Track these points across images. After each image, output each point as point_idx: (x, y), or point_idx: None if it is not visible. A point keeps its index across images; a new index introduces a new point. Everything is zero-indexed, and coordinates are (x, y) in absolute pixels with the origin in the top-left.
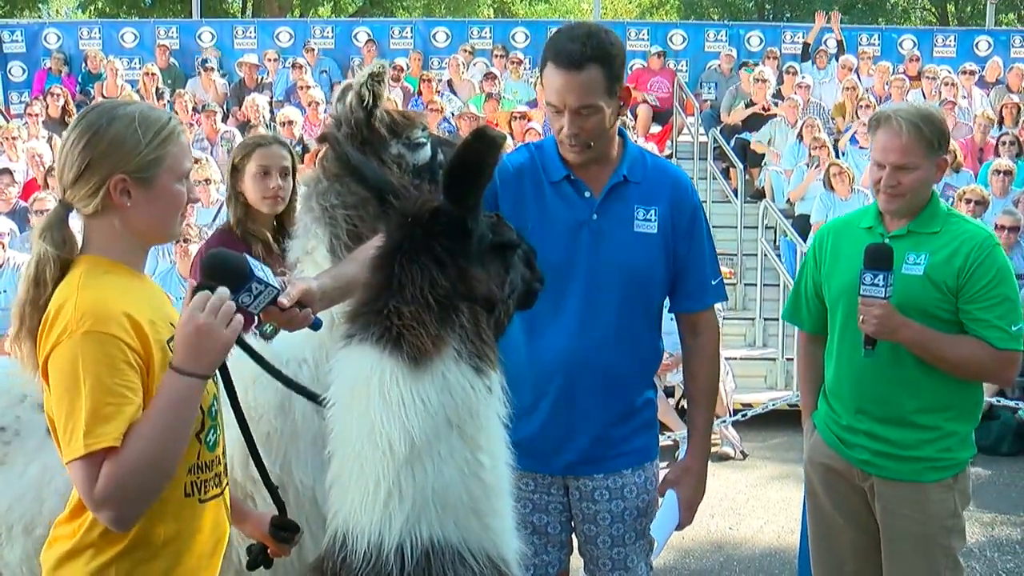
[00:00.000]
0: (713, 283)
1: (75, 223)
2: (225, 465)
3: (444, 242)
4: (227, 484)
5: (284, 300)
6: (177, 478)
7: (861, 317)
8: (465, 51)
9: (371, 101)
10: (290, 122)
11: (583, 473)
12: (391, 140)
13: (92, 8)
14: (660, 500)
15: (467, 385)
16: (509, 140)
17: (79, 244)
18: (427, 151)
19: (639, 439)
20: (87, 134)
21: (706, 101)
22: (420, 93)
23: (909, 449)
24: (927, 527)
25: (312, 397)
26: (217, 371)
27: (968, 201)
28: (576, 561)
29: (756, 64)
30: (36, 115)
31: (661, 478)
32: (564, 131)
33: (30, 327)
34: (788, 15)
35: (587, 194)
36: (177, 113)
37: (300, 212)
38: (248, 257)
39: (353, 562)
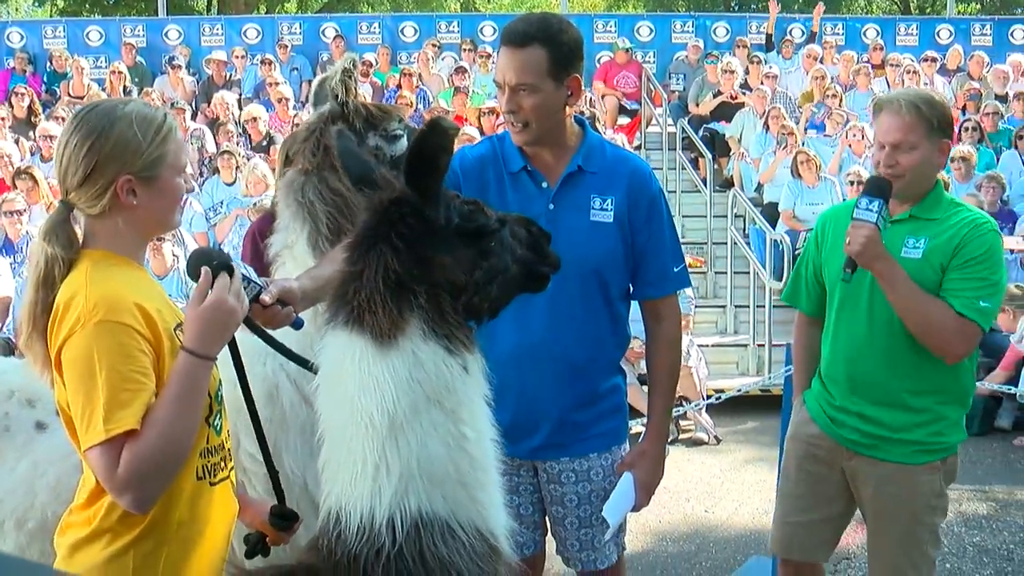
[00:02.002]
0: (675, 270)
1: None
2: (229, 449)
3: (402, 229)
4: (232, 467)
5: (266, 297)
6: (189, 462)
7: (848, 239)
8: (432, 45)
9: (343, 95)
10: (255, 119)
11: (549, 457)
12: (368, 133)
13: (52, 6)
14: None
15: (439, 362)
16: (476, 133)
17: (80, 241)
18: (404, 142)
19: (605, 424)
20: (91, 137)
21: (674, 92)
22: (400, 86)
23: (901, 432)
24: (912, 506)
25: (307, 365)
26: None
27: None
28: (551, 546)
29: (721, 55)
30: (2, 118)
31: None
32: (503, 107)
33: (40, 328)
34: (754, 5)
35: (544, 184)
36: None
37: (280, 207)
38: (231, 256)
39: (347, 538)
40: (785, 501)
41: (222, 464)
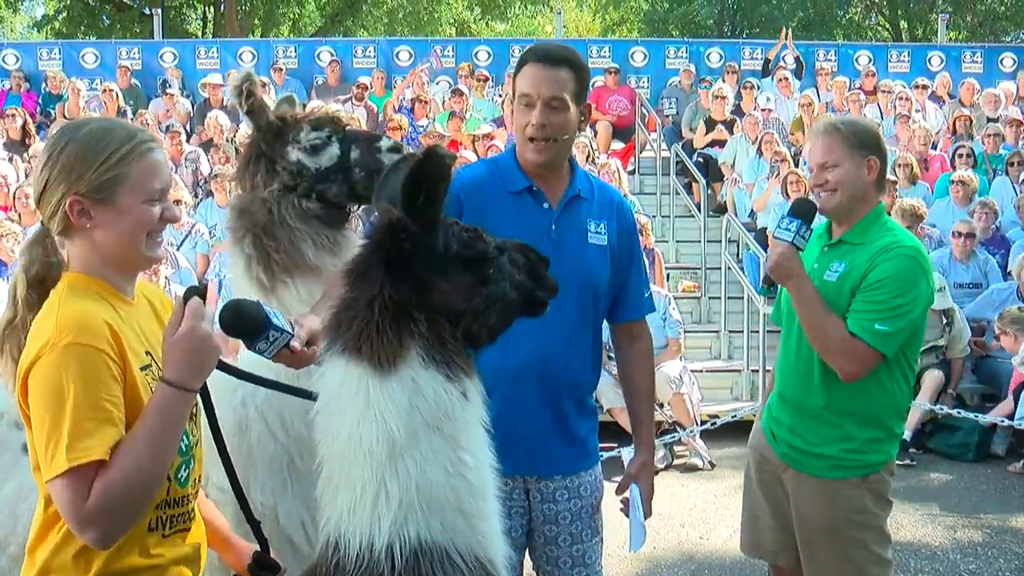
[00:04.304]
0: (646, 295)
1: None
2: (195, 504)
3: (400, 256)
4: (194, 519)
5: (296, 344)
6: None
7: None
8: (423, 70)
9: (245, 111)
10: None
11: (544, 474)
12: (284, 148)
13: (49, 28)
14: (626, 495)
15: (440, 390)
16: (472, 157)
17: (63, 262)
18: (333, 151)
19: (592, 440)
20: (47, 153)
21: (667, 117)
22: (413, 110)
23: (816, 446)
24: (832, 518)
25: (306, 395)
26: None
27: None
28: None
29: (713, 81)
30: None
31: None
32: (534, 120)
33: (10, 347)
34: (747, 32)
35: (546, 205)
36: None
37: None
38: (262, 304)
39: (346, 565)
40: (750, 504)
41: (183, 518)
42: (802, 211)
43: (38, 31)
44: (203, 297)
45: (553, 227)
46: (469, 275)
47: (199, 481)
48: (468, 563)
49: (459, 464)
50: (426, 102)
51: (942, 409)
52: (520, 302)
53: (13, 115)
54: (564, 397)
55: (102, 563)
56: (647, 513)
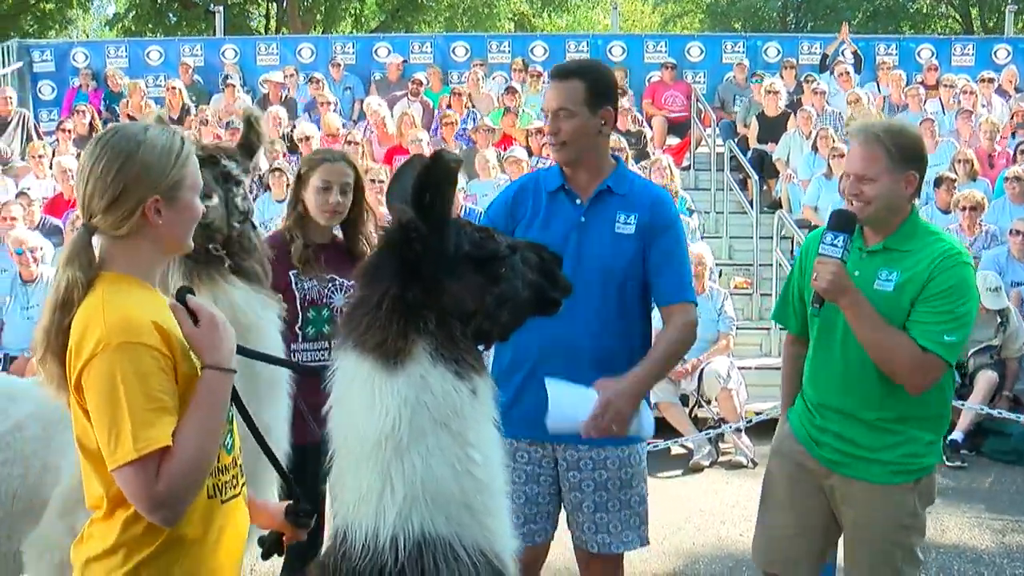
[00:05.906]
0: (686, 281)
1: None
2: (240, 467)
3: (410, 256)
4: (243, 484)
5: None
6: None
7: (815, 274)
8: (479, 65)
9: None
10: (307, 138)
11: (569, 442)
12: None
13: (119, 26)
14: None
15: (448, 387)
16: (524, 153)
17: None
18: (214, 203)
19: None
20: (118, 160)
21: (733, 113)
22: (450, 105)
23: (877, 452)
24: (885, 525)
25: (313, 372)
26: None
27: (964, 209)
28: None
29: (768, 76)
30: (69, 131)
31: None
32: (546, 129)
33: (55, 349)
34: (810, 24)
35: (578, 201)
36: (202, 128)
37: None
38: None
39: (352, 556)
40: (770, 513)
41: (233, 482)
42: (844, 223)
43: (109, 29)
44: (192, 293)
45: (582, 218)
46: (480, 275)
47: (239, 446)
48: (473, 557)
49: (467, 460)
50: (459, 94)
51: (984, 410)
52: (532, 301)
53: (83, 111)
54: (591, 375)
55: (167, 535)
56: (586, 427)
